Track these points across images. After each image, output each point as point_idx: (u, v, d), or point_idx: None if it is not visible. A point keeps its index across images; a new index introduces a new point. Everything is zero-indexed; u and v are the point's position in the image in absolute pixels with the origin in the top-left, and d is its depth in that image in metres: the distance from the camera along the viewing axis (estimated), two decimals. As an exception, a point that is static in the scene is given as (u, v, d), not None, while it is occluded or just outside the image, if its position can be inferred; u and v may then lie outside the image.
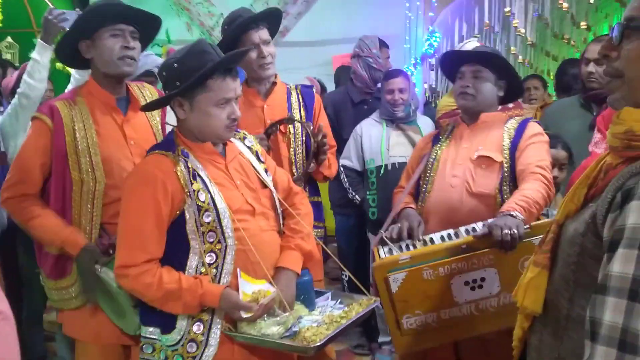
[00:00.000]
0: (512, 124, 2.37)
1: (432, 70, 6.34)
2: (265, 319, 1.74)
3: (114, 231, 2.03)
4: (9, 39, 6.96)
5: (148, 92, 2.30)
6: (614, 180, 1.11)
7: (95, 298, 2.05)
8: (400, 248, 2.16)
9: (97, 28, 2.07)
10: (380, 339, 3.72)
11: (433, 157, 2.44)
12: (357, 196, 3.51)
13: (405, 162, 3.29)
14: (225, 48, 2.43)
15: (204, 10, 6.60)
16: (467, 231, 2.13)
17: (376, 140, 3.42)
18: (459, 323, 2.06)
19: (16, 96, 3.17)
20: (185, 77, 1.78)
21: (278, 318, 1.74)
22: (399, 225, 2.24)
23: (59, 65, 6.91)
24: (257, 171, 1.97)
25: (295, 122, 2.53)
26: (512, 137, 2.32)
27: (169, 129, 1.99)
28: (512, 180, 2.28)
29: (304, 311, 1.85)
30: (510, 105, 3.33)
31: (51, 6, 7.10)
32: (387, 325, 2.19)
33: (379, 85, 3.69)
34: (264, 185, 1.96)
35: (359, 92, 3.82)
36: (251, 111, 2.57)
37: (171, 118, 2.41)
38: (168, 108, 1.98)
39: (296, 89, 2.67)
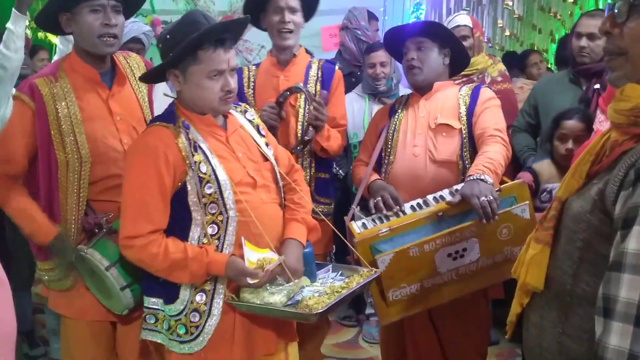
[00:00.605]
0: (466, 90, 2.42)
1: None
2: (268, 288, 1.76)
3: (101, 208, 2.03)
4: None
5: (134, 62, 2.23)
6: (625, 157, 1.11)
7: (79, 277, 2.03)
8: (374, 221, 2.19)
9: (78, 1, 1.98)
10: (368, 311, 3.78)
11: (392, 128, 2.45)
12: (340, 171, 3.51)
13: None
14: (250, 8, 2.42)
15: (189, -20, 6.47)
16: (435, 199, 2.18)
17: (359, 115, 3.41)
18: (440, 288, 2.15)
19: None
20: (176, 49, 1.77)
21: (281, 287, 1.77)
22: (382, 196, 2.24)
23: (40, 34, 6.77)
24: (258, 144, 1.96)
25: (304, 93, 2.48)
26: (467, 104, 2.36)
27: (169, 100, 1.94)
28: (470, 145, 2.33)
29: (306, 282, 1.87)
30: (499, 79, 3.36)
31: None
32: (372, 298, 2.23)
33: None
34: (265, 159, 1.96)
35: (347, 64, 3.78)
36: (268, 80, 2.57)
37: (162, 90, 2.40)
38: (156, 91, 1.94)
39: (318, 63, 2.64)
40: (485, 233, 2.08)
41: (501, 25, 5.94)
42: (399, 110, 2.50)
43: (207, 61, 1.77)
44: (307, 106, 2.48)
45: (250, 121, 2.01)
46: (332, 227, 2.22)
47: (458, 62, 2.49)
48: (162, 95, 2.56)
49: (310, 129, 2.47)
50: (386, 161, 2.44)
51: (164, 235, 1.80)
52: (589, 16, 2.93)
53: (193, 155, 1.78)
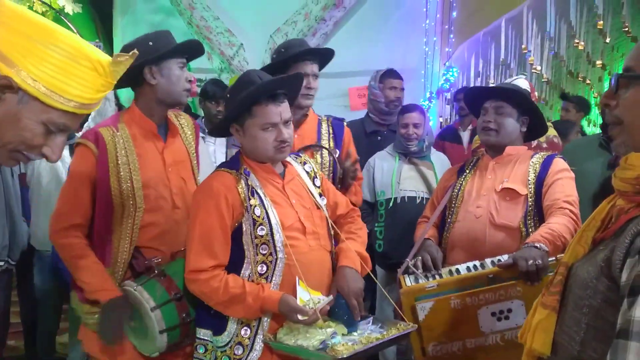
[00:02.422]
0: (538, 158, 2.40)
1: (448, 104, 6.39)
2: (306, 332, 1.83)
3: (149, 254, 2.12)
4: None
5: (184, 120, 2.37)
6: (632, 225, 1.12)
7: (110, 340, 2.06)
8: (427, 277, 2.19)
9: (168, 58, 2.15)
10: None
11: (458, 188, 2.47)
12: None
13: (414, 197, 3.34)
14: (273, 70, 2.57)
15: (224, 40, 6.72)
16: (492, 263, 2.15)
17: (388, 173, 3.45)
18: (483, 352, 2.08)
19: None
20: (234, 105, 1.98)
21: (315, 331, 1.82)
22: (422, 256, 2.27)
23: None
24: (312, 193, 2.08)
25: (323, 150, 2.63)
26: (537, 172, 2.34)
27: (235, 150, 2.10)
28: (536, 214, 2.29)
29: (343, 330, 1.90)
30: (544, 145, 3.36)
31: (76, 33, 7.28)
32: (413, 352, 2.21)
33: (390, 115, 3.82)
34: (318, 207, 2.08)
35: (372, 122, 3.94)
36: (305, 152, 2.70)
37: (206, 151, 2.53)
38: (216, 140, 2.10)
39: (327, 121, 2.79)
40: (531, 296, 1.99)
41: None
42: (467, 170, 2.53)
43: (261, 115, 1.96)
44: (329, 162, 2.64)
45: (307, 172, 2.14)
46: (371, 273, 2.22)
47: (535, 129, 2.51)
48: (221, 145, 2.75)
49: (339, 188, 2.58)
50: (449, 220, 2.46)
51: (225, 272, 1.92)
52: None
53: (250, 199, 1.95)
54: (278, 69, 2.63)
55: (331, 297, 1.92)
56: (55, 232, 2.12)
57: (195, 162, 2.33)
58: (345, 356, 1.73)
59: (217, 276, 1.91)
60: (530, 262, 1.97)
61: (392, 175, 3.45)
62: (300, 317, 1.84)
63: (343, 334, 1.88)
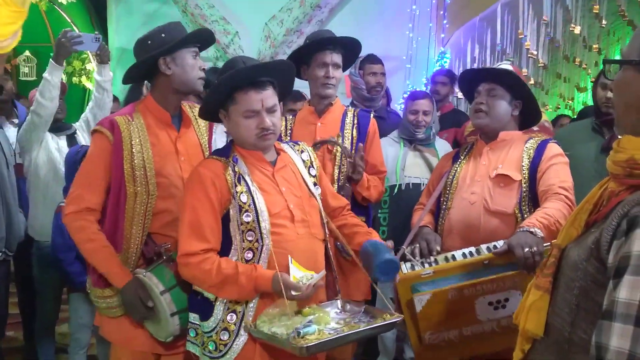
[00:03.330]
0: (532, 143, 2.38)
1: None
2: (282, 320, 1.84)
3: (160, 240, 2.16)
4: (27, 52, 7.09)
5: (197, 112, 2.38)
6: (618, 207, 1.13)
7: (141, 318, 2.12)
8: (423, 264, 2.19)
9: (180, 47, 2.19)
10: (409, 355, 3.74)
11: (453, 174, 2.47)
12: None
13: (419, 183, 3.33)
14: (296, 59, 2.59)
15: (219, 28, 6.69)
16: (488, 249, 2.14)
17: (392, 159, 3.42)
18: (480, 339, 2.09)
19: (29, 114, 3.24)
20: (211, 90, 1.98)
21: (292, 320, 1.83)
22: (419, 243, 2.27)
23: (75, 79, 7.04)
24: (305, 182, 2.08)
25: (338, 146, 2.62)
26: (531, 157, 2.33)
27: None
28: (531, 200, 2.29)
29: (326, 318, 1.90)
30: (535, 128, 3.35)
31: (70, 23, 7.23)
32: (409, 339, 2.21)
33: (372, 100, 3.82)
34: (311, 196, 2.07)
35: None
36: (305, 127, 2.73)
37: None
38: (217, 129, 2.18)
39: (353, 111, 2.77)
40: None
41: (526, 73, 5.98)
42: (462, 157, 2.52)
43: (242, 102, 1.95)
44: (343, 159, 2.61)
45: (304, 161, 2.14)
46: (361, 266, 2.23)
47: (530, 116, 2.49)
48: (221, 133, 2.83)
49: (347, 184, 2.57)
50: (444, 206, 2.45)
51: (217, 255, 1.93)
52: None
53: (236, 186, 1.95)
54: (300, 59, 2.65)
55: (323, 272, 1.93)
56: (68, 214, 2.14)
57: (207, 153, 2.35)
58: (306, 345, 1.73)
59: (208, 259, 1.91)
60: (527, 249, 1.96)
61: (397, 161, 3.44)
62: (294, 292, 1.84)
63: (326, 324, 1.88)
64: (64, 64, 3.18)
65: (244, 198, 1.94)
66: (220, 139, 3.55)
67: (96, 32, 3.21)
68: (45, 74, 3.05)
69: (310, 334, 1.79)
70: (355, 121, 2.72)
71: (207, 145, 2.37)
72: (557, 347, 1.25)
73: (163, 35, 2.18)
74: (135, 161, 2.13)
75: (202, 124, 2.36)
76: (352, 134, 2.69)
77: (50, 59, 3.04)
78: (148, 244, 2.16)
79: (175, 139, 2.25)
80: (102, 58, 3.38)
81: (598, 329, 1.08)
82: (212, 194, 1.93)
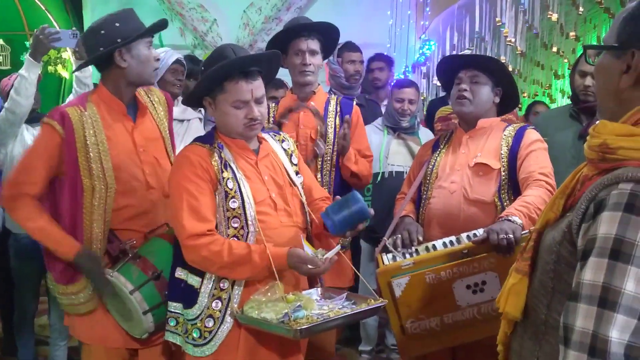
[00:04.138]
0: (510, 131, 2.40)
1: (424, 78, 6.39)
2: (270, 305, 1.84)
3: (125, 237, 2.11)
4: (0, 41, 6.95)
5: (155, 97, 2.34)
6: (587, 191, 1.16)
7: (106, 298, 2.08)
8: (404, 255, 2.20)
9: (137, 39, 2.13)
10: (361, 347, 3.76)
11: (432, 163, 2.48)
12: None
13: (402, 172, 3.35)
14: (275, 47, 2.57)
15: (197, 15, 6.62)
16: (468, 237, 2.17)
17: (376, 147, 3.43)
18: (461, 327, 2.11)
19: (3, 110, 3.16)
20: (202, 79, 1.98)
21: (280, 305, 1.83)
22: (401, 234, 2.28)
23: (50, 68, 6.92)
24: (287, 171, 2.08)
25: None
26: (510, 145, 2.34)
27: (211, 124, 2.07)
28: (510, 187, 2.31)
29: (312, 304, 1.91)
30: (510, 115, 3.39)
31: (45, 11, 7.08)
32: (392, 330, 2.24)
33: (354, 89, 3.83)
34: (294, 185, 2.08)
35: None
36: (289, 115, 2.72)
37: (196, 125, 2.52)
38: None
39: (336, 99, 2.78)
40: (505, 268, 2.00)
41: (504, 61, 6.01)
42: (442, 146, 2.52)
43: (232, 91, 1.95)
44: (332, 158, 2.67)
45: (285, 150, 2.14)
46: (345, 257, 2.25)
47: (508, 102, 2.49)
48: (196, 128, 2.88)
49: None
50: (424, 196, 2.46)
51: (222, 236, 1.93)
52: (593, 54, 2.96)
53: (223, 172, 1.96)
54: (276, 46, 2.61)
55: (339, 246, 1.94)
56: (6, 197, 2.12)
57: (168, 139, 2.30)
58: (303, 327, 1.75)
59: (217, 240, 1.89)
60: (502, 235, 1.99)
61: (380, 149, 3.45)
62: (310, 266, 1.86)
63: (312, 309, 1.90)
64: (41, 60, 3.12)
65: (230, 184, 1.94)
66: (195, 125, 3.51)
67: (74, 28, 3.14)
68: (21, 71, 2.99)
69: (300, 318, 1.81)
70: (339, 109, 2.74)
71: (168, 133, 2.31)
72: (535, 329, 1.28)
73: (117, 24, 2.10)
74: (91, 154, 2.07)
75: (161, 109, 2.30)
76: (334, 122, 2.70)
77: (27, 55, 2.98)
78: (113, 242, 2.11)
79: (132, 130, 2.18)
80: (81, 54, 3.32)
81: (565, 310, 1.11)
82: (204, 176, 1.93)
